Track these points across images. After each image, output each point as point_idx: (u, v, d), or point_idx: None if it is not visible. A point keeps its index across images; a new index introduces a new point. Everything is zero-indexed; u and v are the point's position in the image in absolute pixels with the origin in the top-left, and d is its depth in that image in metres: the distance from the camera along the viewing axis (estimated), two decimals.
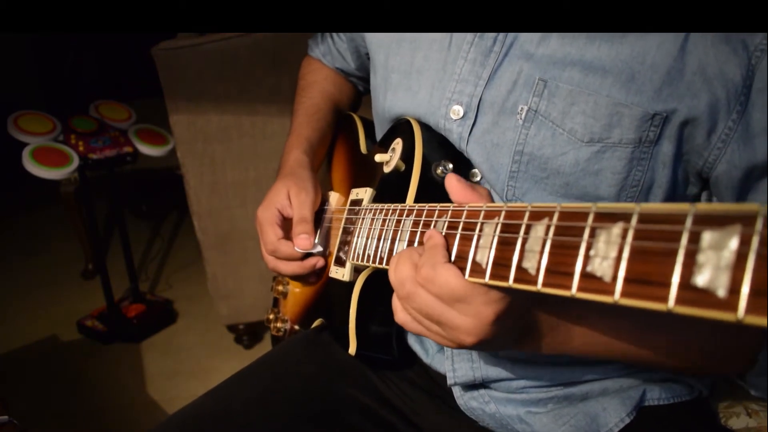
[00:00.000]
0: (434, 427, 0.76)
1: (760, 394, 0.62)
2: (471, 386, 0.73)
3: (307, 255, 0.80)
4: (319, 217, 0.88)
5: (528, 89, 0.63)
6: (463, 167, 0.69)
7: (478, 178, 0.69)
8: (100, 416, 1.76)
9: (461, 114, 0.67)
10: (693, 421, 0.69)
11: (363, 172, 0.84)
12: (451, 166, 0.67)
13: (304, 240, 0.77)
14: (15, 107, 1.89)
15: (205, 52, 1.59)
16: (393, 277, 0.53)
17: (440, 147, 0.69)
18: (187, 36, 1.62)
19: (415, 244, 0.56)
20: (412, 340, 0.80)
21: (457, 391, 0.73)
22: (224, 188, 1.75)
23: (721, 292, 0.28)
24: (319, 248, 0.79)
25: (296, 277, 0.84)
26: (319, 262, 0.80)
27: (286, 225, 0.81)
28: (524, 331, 0.53)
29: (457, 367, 0.71)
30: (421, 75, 0.72)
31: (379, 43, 0.79)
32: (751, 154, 0.56)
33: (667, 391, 0.69)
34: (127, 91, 2.60)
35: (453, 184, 0.54)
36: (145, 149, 1.94)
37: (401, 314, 0.54)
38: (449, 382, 0.72)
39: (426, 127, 0.71)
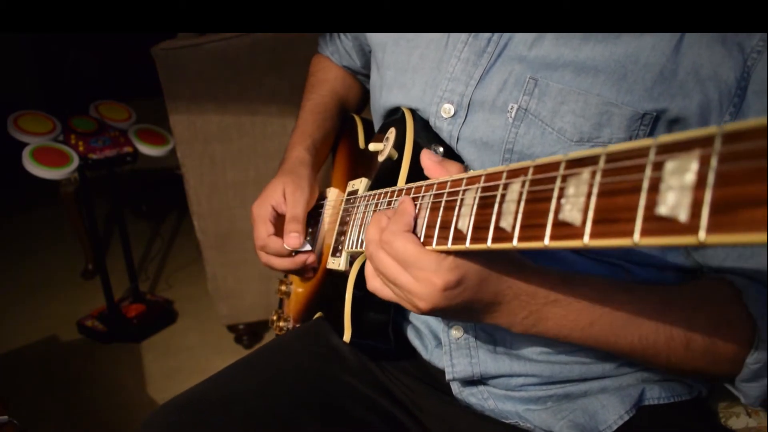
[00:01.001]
0: (435, 417, 0.76)
1: (749, 401, 0.61)
2: (470, 382, 0.73)
3: (297, 252, 0.82)
4: (317, 213, 0.88)
5: (519, 88, 0.63)
6: (455, 159, 0.70)
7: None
8: (100, 416, 1.76)
9: (452, 112, 0.67)
10: (692, 421, 0.69)
11: (360, 165, 0.85)
12: (441, 149, 0.68)
13: (293, 239, 0.80)
14: (15, 107, 1.89)
15: (205, 52, 1.59)
16: (365, 238, 0.57)
17: (433, 135, 0.71)
18: (187, 36, 1.62)
19: None
20: (411, 336, 0.81)
21: (455, 387, 0.74)
22: (224, 188, 1.75)
23: (683, 216, 0.28)
24: (308, 247, 0.81)
25: (292, 272, 0.85)
26: (310, 258, 0.82)
27: (279, 221, 0.83)
28: (489, 305, 0.54)
29: (455, 363, 0.71)
30: (415, 73, 0.73)
31: (379, 42, 0.80)
32: None
33: (666, 390, 0.69)
34: (127, 91, 2.60)
35: (425, 161, 0.58)
36: (145, 149, 1.94)
37: (372, 281, 0.58)
38: (448, 377, 0.72)
39: (419, 116, 0.72)
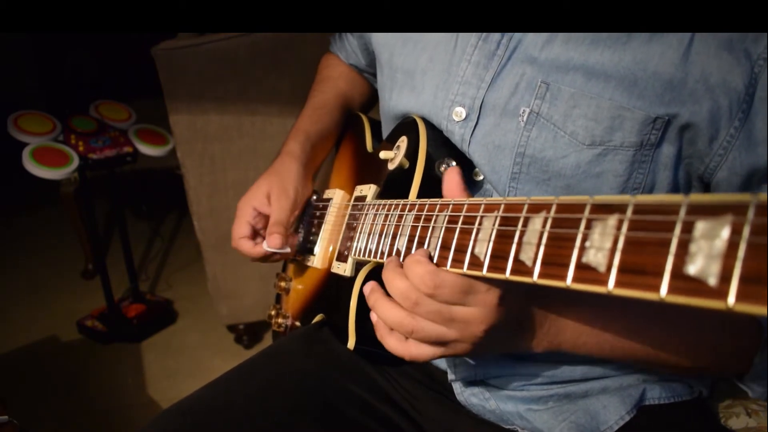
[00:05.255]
0: (434, 422, 0.76)
1: (757, 395, 0.62)
2: (471, 382, 0.73)
3: (275, 252, 0.84)
4: (321, 214, 0.88)
5: (530, 92, 0.63)
6: (467, 167, 0.69)
7: (480, 178, 0.69)
8: (100, 416, 1.76)
9: (463, 116, 0.67)
10: (693, 421, 0.69)
11: (368, 169, 0.84)
12: (454, 163, 0.68)
13: (275, 239, 0.81)
14: (15, 107, 1.88)
15: (205, 52, 1.59)
16: (396, 291, 0.53)
17: (444, 145, 0.70)
18: (187, 36, 1.62)
19: (416, 239, 0.56)
20: None
21: (457, 387, 0.74)
22: (224, 188, 1.75)
23: (712, 280, 0.29)
24: (287, 249, 0.83)
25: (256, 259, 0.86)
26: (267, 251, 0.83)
27: (261, 219, 0.85)
28: (523, 320, 0.54)
29: (457, 363, 0.71)
30: (425, 75, 0.72)
31: (384, 42, 0.80)
32: (753, 161, 0.56)
33: (667, 391, 0.69)
34: (127, 91, 2.60)
35: (453, 177, 0.56)
36: (145, 149, 1.94)
37: (412, 348, 0.54)
38: (450, 378, 0.73)
39: (431, 126, 0.71)
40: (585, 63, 0.60)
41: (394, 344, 0.55)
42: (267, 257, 0.85)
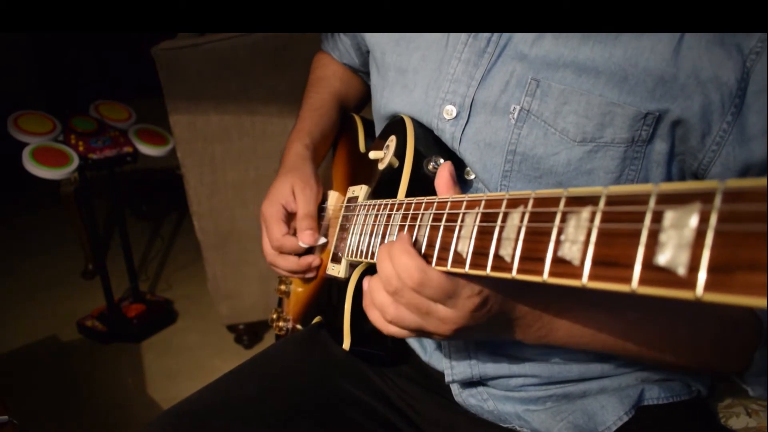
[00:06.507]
0: (432, 423, 0.76)
1: (757, 394, 0.62)
2: (469, 383, 0.73)
3: (307, 251, 0.82)
4: (318, 216, 0.88)
5: (521, 89, 0.63)
6: (457, 166, 0.69)
7: (471, 177, 0.69)
8: (100, 416, 1.76)
9: (454, 114, 0.67)
10: (692, 421, 0.69)
11: (360, 170, 0.84)
12: (442, 161, 0.68)
13: (308, 236, 0.81)
14: (15, 107, 1.89)
15: (205, 52, 1.60)
16: (381, 273, 0.54)
17: (434, 143, 0.70)
18: (187, 36, 1.62)
19: None
20: (410, 339, 0.81)
21: (455, 388, 0.74)
22: (224, 188, 1.75)
23: (681, 270, 0.28)
24: (323, 240, 0.82)
25: (295, 273, 0.85)
26: (315, 260, 0.82)
27: (290, 219, 0.84)
28: (507, 319, 0.55)
29: (455, 364, 0.71)
30: (417, 74, 0.72)
31: (377, 42, 0.80)
32: (747, 155, 0.56)
33: (665, 391, 0.69)
34: (127, 91, 2.60)
35: (443, 174, 0.58)
36: (145, 149, 1.94)
37: (391, 327, 0.56)
38: (447, 379, 0.72)
39: (419, 124, 0.71)
40: (575, 59, 0.60)
41: (374, 317, 0.57)
42: (302, 268, 0.82)
